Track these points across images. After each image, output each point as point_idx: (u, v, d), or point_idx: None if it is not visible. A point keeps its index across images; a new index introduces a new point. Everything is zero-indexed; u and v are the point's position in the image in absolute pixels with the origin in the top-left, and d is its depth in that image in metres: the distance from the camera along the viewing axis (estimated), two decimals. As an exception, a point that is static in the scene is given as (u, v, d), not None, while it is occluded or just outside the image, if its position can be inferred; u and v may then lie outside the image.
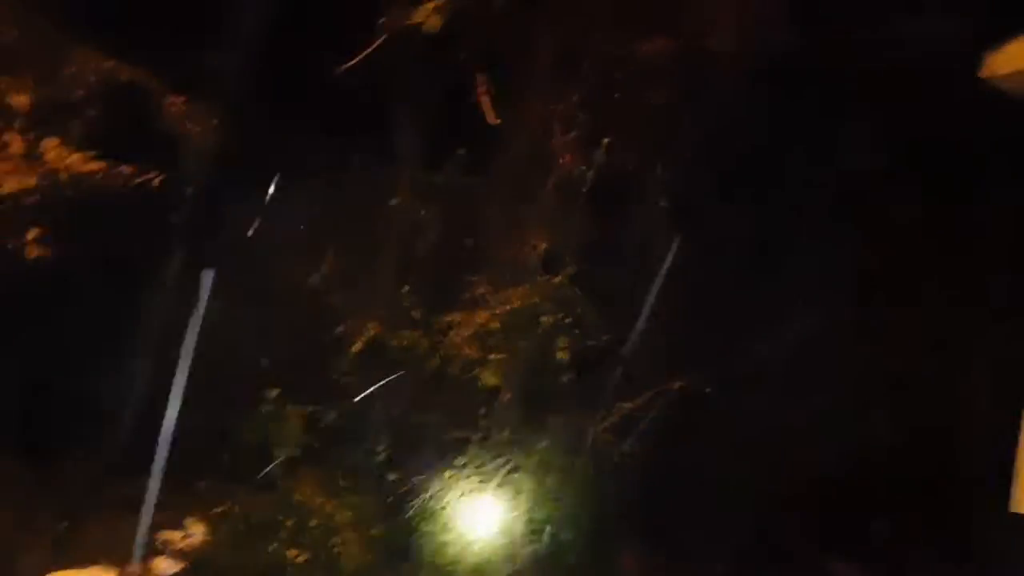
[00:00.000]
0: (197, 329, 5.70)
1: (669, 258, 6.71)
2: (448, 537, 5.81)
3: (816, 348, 6.74)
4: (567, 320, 6.17)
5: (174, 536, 5.99)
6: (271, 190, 6.48)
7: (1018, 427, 5.05)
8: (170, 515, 6.16)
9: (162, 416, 6.18)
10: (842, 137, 7.11)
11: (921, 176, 6.83)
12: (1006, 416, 5.44)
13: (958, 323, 6.64)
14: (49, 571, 5.21)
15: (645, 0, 6.87)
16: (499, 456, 6.01)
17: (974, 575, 6.05)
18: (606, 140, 6.84)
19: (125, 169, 4.83)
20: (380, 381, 6.04)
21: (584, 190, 6.77)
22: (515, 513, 5.88)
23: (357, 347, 6.07)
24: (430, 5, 6.50)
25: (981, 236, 6.77)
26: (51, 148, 4.66)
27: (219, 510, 5.75)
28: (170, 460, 6.20)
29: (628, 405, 6.35)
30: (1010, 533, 5.36)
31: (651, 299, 6.58)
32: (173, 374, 6.18)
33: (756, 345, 6.76)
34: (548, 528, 5.90)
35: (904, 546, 6.52)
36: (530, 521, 5.91)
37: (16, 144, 4.63)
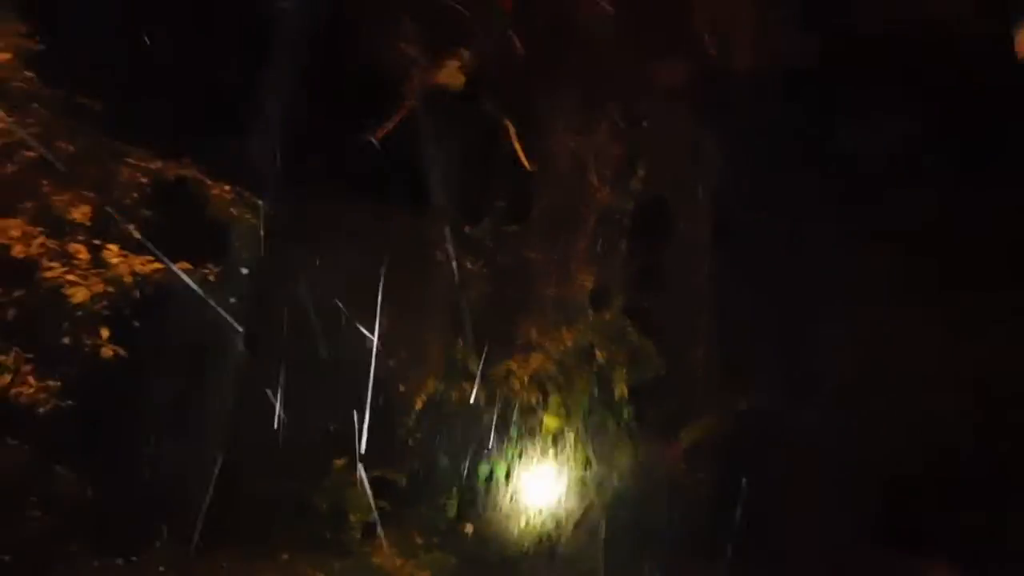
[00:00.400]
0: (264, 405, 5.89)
1: (715, 280, 6.70)
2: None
3: (865, 352, 6.64)
4: (622, 354, 6.20)
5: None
6: (319, 259, 6.68)
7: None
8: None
9: (240, 492, 6.38)
10: (872, 136, 7.03)
11: (953, 177, 6.68)
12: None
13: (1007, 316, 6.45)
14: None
15: (661, 29, 6.92)
16: (573, 496, 6.03)
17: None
18: (640, 171, 6.90)
19: (182, 265, 5.06)
20: (444, 436, 6.13)
21: (625, 222, 6.83)
22: (594, 551, 5.88)
23: (418, 405, 6.19)
24: (453, 64, 6.68)
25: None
26: (114, 255, 4.91)
27: (305, 578, 5.88)
28: (252, 533, 6.39)
29: (693, 431, 6.32)
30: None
31: (703, 322, 6.57)
32: (245, 448, 6.39)
33: (810, 357, 6.68)
34: (626, 562, 5.89)
35: (988, 543, 6.31)
36: (607, 557, 5.91)
37: (82, 254, 4.90)
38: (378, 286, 6.71)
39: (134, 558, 5.71)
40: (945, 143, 6.68)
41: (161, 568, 5.78)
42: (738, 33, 6.75)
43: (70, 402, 5.04)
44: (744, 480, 6.40)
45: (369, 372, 6.46)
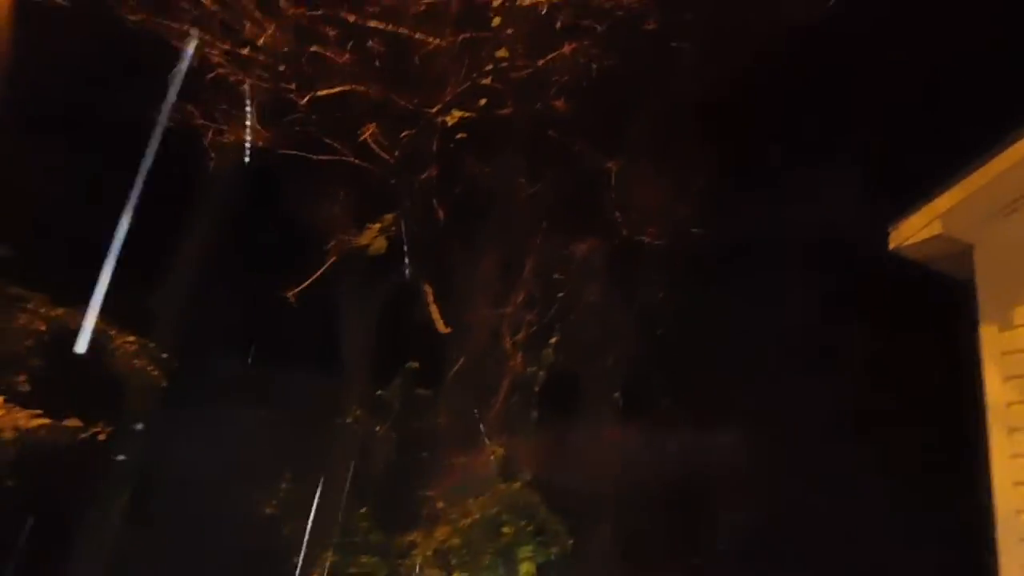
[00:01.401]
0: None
1: (624, 452, 6.73)
2: None
3: (772, 534, 6.70)
4: (529, 528, 6.05)
5: None
6: (222, 419, 6.43)
7: None
8: None
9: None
10: (774, 315, 7.41)
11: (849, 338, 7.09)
12: None
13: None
14: None
15: (578, 206, 7.27)
16: None
17: None
18: (554, 339, 7.02)
19: (71, 423, 4.78)
20: (340, 614, 5.76)
21: (536, 390, 6.86)
22: None
23: (314, 579, 5.84)
24: (375, 227, 6.81)
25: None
26: (-2, 409, 4.62)
27: None
28: None
29: (600, 614, 6.12)
30: None
31: (611, 499, 6.53)
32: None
33: (714, 538, 6.70)
34: None
35: None
36: None
37: (-38, 406, 4.59)
38: (280, 446, 6.48)
39: None
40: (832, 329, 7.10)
41: None
42: (648, 214, 7.13)
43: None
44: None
45: (264, 538, 6.11)
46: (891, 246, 4.20)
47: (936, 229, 3.99)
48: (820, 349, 7.45)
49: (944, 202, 3.91)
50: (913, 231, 4.00)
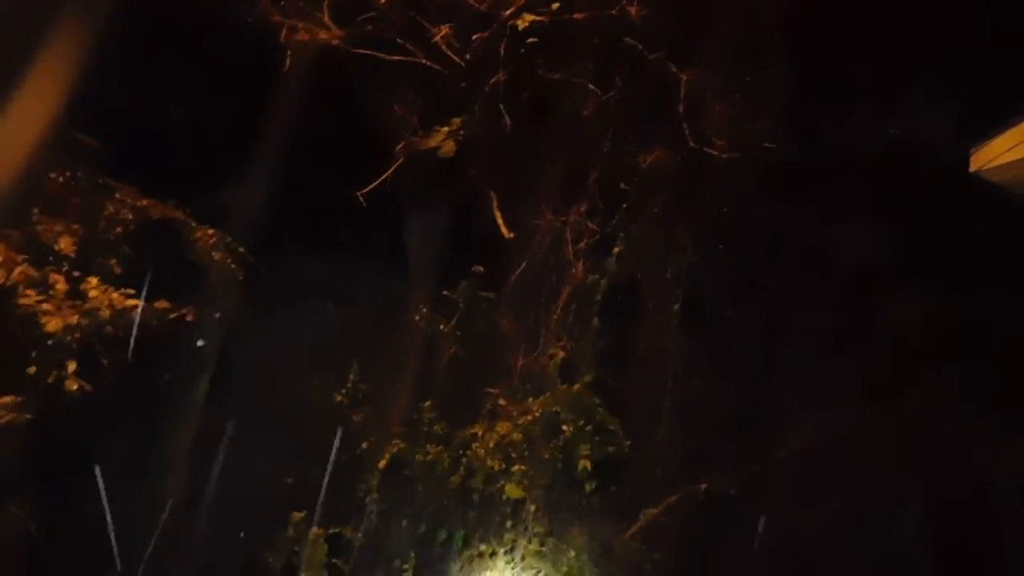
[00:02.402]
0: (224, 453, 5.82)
1: (683, 362, 6.83)
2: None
3: (830, 449, 6.78)
4: (587, 428, 6.25)
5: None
6: (295, 312, 6.70)
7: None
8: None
9: (188, 540, 6.24)
10: (842, 237, 7.32)
11: (922, 273, 6.99)
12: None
13: (972, 419, 6.67)
14: None
15: (648, 116, 7.20)
16: (528, 569, 5.99)
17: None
18: (616, 248, 7.07)
19: (161, 304, 5.07)
20: (404, 497, 6.09)
21: (597, 298, 6.96)
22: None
23: (381, 464, 6.15)
24: (444, 130, 6.86)
25: (986, 329, 6.86)
26: (93, 287, 4.91)
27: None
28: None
29: (653, 511, 6.35)
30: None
31: (668, 403, 6.67)
32: (203, 497, 6.27)
33: (773, 446, 6.80)
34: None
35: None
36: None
37: (60, 285, 4.89)
38: (349, 341, 6.74)
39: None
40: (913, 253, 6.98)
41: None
42: (719, 124, 7.04)
43: (27, 416, 4.93)
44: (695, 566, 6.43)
45: (333, 427, 6.44)
46: (972, 168, 4.09)
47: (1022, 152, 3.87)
48: (887, 273, 7.34)
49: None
50: (998, 152, 3.89)
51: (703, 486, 6.37)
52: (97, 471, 5.81)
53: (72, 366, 5.02)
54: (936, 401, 6.67)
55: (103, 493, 5.87)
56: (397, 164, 6.77)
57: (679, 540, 6.49)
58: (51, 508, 5.77)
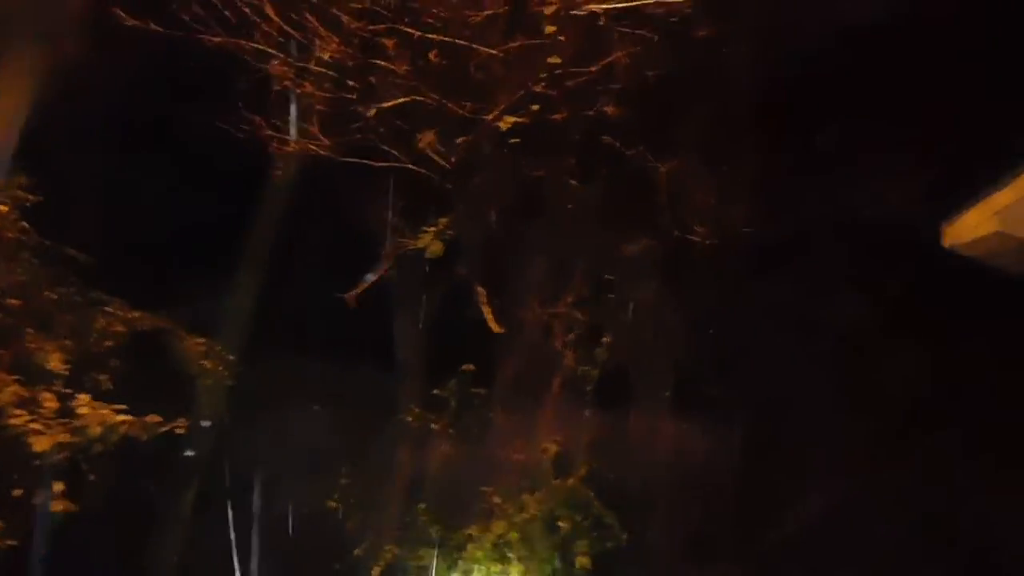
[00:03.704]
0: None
1: (677, 447, 6.81)
2: None
3: (836, 522, 6.69)
4: (584, 523, 6.18)
5: None
6: (285, 417, 6.68)
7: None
8: None
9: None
10: (827, 311, 7.40)
11: (907, 338, 7.03)
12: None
13: (977, 469, 6.60)
14: None
15: (629, 208, 7.35)
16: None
17: None
18: (605, 338, 7.13)
19: (151, 419, 5.04)
20: (402, 604, 5.96)
21: (588, 389, 6.97)
22: None
23: (376, 571, 6.03)
24: (431, 230, 6.98)
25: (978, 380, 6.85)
26: (84, 404, 4.88)
27: None
28: None
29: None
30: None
31: (665, 492, 6.61)
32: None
33: (775, 529, 6.72)
34: None
35: None
36: None
37: (49, 403, 4.86)
38: (341, 445, 6.70)
39: None
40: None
41: None
42: (699, 214, 7.18)
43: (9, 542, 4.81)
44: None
45: (328, 532, 6.33)
46: (946, 243, 4.22)
47: (993, 226, 4.00)
48: (873, 340, 7.38)
49: (1001, 199, 3.93)
50: (969, 227, 4.02)
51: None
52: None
53: (59, 486, 4.95)
54: (934, 461, 6.63)
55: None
56: (386, 266, 6.86)
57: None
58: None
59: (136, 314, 5.80)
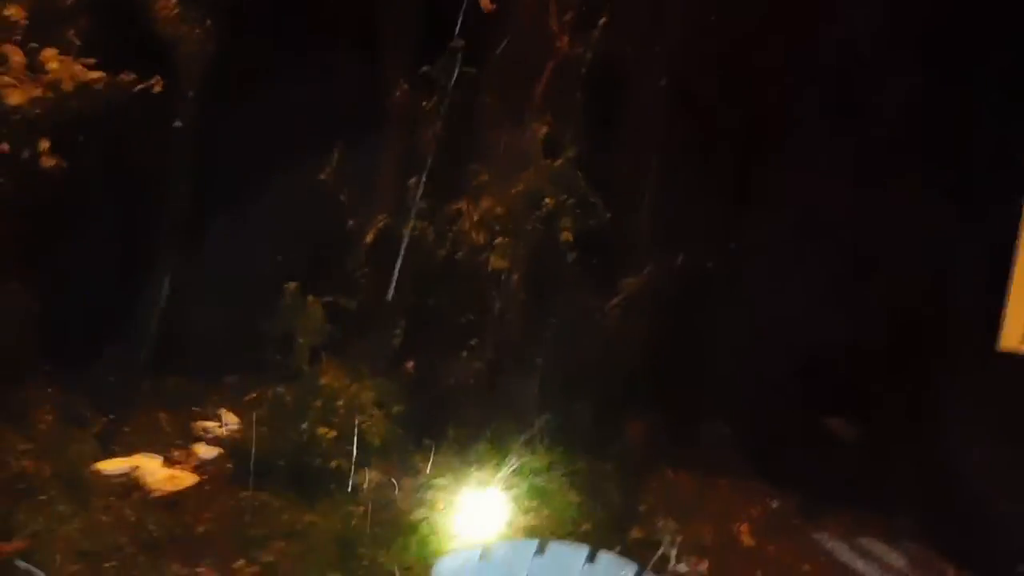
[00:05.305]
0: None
1: (664, 138, 6.80)
2: (465, 412, 6.17)
3: (815, 221, 6.90)
4: (570, 202, 6.33)
5: (210, 424, 6.39)
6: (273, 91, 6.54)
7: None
8: (205, 407, 6.57)
9: (186, 315, 6.49)
10: (834, 14, 7.01)
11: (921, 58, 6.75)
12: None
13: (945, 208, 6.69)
14: (98, 459, 5.60)
15: None
16: (511, 335, 6.30)
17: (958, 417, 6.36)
18: (602, 21, 6.81)
19: (126, 76, 4.89)
20: (392, 270, 6.27)
21: (582, 72, 6.79)
22: (527, 386, 6.21)
23: (368, 239, 6.28)
24: None
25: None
26: (52, 59, 4.71)
27: (251, 396, 6.11)
28: (198, 358, 6.55)
29: (632, 281, 6.58)
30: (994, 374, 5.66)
31: (650, 178, 6.72)
32: (192, 274, 6.45)
33: (755, 219, 6.93)
34: (560, 398, 6.25)
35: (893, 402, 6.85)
36: (542, 393, 6.25)
37: (16, 57, 4.69)
38: (330, 120, 6.65)
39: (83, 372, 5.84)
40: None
41: (111, 379, 5.95)
42: None
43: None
44: (672, 334, 6.74)
45: (319, 205, 6.50)
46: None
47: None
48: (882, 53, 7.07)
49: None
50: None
51: (680, 258, 6.55)
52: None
53: (45, 143, 4.95)
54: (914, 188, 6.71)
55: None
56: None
57: (659, 310, 6.76)
58: (51, 284, 5.94)
59: (100, -33, 5.42)
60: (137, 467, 5.60)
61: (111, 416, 5.85)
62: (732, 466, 7.00)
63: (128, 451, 5.81)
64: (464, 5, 6.70)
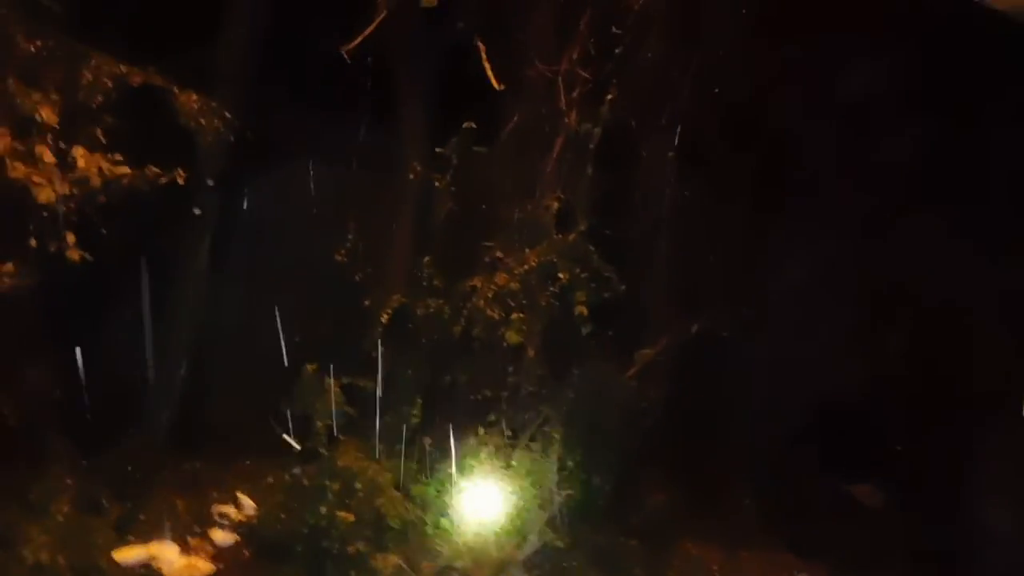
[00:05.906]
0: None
1: (677, 207, 6.87)
2: (486, 490, 6.12)
3: (821, 284, 6.91)
4: (583, 275, 6.38)
5: (228, 509, 6.37)
6: (288, 174, 6.71)
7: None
8: (223, 491, 6.56)
9: (205, 398, 6.54)
10: (841, 74, 7.14)
11: (922, 108, 6.86)
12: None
13: (961, 252, 6.72)
14: (115, 548, 5.59)
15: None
16: (528, 410, 6.29)
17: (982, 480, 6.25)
18: (609, 96, 6.96)
19: (151, 170, 5.06)
20: (408, 349, 6.31)
21: (591, 147, 6.92)
22: (548, 463, 6.17)
23: (384, 318, 6.34)
24: (428, -20, 6.58)
25: (983, 165, 6.79)
26: (81, 156, 4.89)
27: (268, 480, 6.10)
28: (218, 440, 6.58)
29: (648, 351, 6.58)
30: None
31: (662, 248, 6.77)
32: (212, 357, 6.52)
33: (765, 286, 6.95)
34: (580, 474, 6.20)
35: (919, 465, 6.75)
36: (562, 469, 6.20)
37: (47, 155, 4.87)
38: (345, 201, 6.79)
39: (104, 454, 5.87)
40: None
41: (129, 468, 5.97)
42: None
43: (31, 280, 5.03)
44: (689, 402, 6.72)
45: (336, 285, 6.59)
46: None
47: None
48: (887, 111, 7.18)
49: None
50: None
51: (694, 327, 6.56)
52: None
53: (71, 238, 5.09)
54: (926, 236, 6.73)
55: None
56: (380, 18, 6.56)
57: (674, 378, 6.75)
58: (71, 371, 6.02)
59: (124, 68, 5.64)
60: (154, 557, 5.58)
61: (128, 504, 5.85)
62: (755, 537, 6.88)
63: (145, 539, 5.79)
64: (475, 85, 6.89)
